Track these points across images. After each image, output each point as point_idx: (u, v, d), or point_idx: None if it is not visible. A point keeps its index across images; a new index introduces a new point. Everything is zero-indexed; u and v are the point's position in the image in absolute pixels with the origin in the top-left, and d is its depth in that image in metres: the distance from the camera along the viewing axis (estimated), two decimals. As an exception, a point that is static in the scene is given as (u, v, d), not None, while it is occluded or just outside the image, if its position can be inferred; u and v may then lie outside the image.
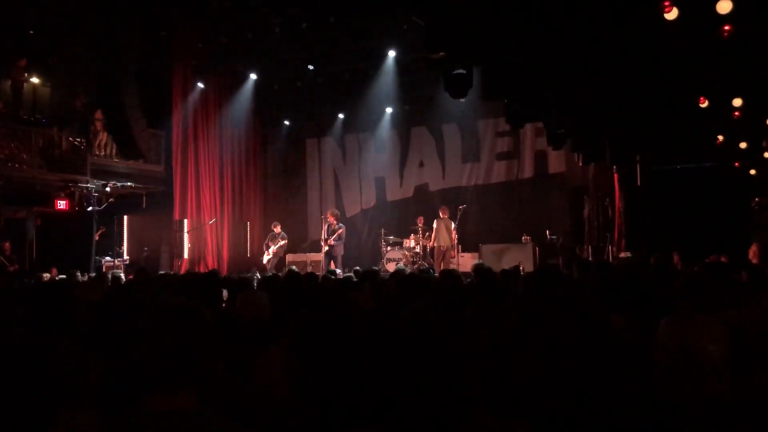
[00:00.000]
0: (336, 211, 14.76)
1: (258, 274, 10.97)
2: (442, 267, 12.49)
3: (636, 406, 2.34)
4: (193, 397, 1.78)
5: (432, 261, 14.28)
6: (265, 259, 15.04)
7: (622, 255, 12.42)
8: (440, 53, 7.98)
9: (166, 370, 1.75)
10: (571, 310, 3.52)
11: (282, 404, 2.56)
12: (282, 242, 15.04)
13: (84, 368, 2.73)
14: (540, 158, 15.88)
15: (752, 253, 10.87)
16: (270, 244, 15.08)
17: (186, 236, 15.30)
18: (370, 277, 5.75)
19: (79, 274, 9.75)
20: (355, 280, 6.41)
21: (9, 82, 14.13)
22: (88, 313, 4.33)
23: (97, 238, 14.17)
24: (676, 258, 9.79)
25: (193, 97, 15.74)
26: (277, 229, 15.19)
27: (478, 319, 3.61)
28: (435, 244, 14.19)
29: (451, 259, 14.03)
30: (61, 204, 13.38)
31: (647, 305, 3.81)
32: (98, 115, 14.24)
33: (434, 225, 14.26)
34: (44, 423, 2.30)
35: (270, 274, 9.35)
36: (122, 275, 9.41)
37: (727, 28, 6.49)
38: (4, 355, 3.19)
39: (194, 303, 1.91)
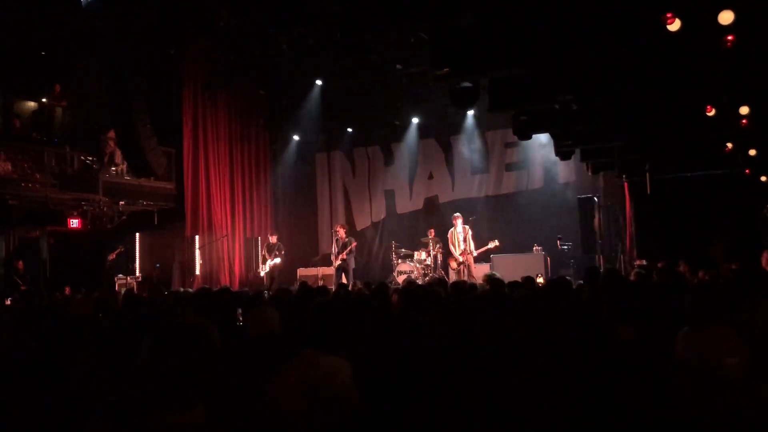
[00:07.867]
0: (344, 225, 14.81)
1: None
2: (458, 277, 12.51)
3: (647, 417, 2.35)
4: (200, 413, 1.80)
5: (443, 273, 14.28)
6: (262, 273, 14.83)
7: (637, 263, 12.35)
8: (444, 69, 8.03)
9: (172, 388, 1.78)
10: (581, 322, 3.54)
11: (294, 422, 2.59)
12: (278, 258, 14.77)
13: (94, 384, 2.76)
14: (549, 168, 15.87)
15: (765, 260, 10.80)
16: (267, 256, 14.87)
17: (197, 253, 15.36)
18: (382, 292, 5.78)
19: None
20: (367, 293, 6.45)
21: (39, 107, 14.41)
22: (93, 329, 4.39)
23: (113, 256, 14.27)
24: (682, 266, 9.71)
25: (203, 115, 15.85)
26: (274, 239, 15.07)
27: (488, 330, 3.62)
28: (452, 251, 14.17)
29: (467, 269, 13.99)
30: (74, 223, 13.47)
31: (657, 316, 3.80)
32: (111, 134, 14.36)
33: (448, 235, 14.27)
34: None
35: (266, 291, 9.09)
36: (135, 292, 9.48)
37: (729, 38, 6.51)
38: (19, 372, 3.24)
39: (201, 321, 1.93)
